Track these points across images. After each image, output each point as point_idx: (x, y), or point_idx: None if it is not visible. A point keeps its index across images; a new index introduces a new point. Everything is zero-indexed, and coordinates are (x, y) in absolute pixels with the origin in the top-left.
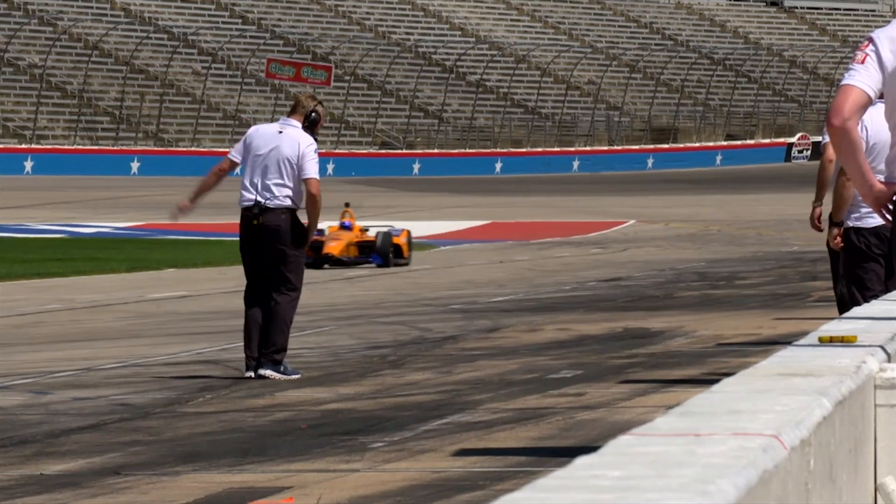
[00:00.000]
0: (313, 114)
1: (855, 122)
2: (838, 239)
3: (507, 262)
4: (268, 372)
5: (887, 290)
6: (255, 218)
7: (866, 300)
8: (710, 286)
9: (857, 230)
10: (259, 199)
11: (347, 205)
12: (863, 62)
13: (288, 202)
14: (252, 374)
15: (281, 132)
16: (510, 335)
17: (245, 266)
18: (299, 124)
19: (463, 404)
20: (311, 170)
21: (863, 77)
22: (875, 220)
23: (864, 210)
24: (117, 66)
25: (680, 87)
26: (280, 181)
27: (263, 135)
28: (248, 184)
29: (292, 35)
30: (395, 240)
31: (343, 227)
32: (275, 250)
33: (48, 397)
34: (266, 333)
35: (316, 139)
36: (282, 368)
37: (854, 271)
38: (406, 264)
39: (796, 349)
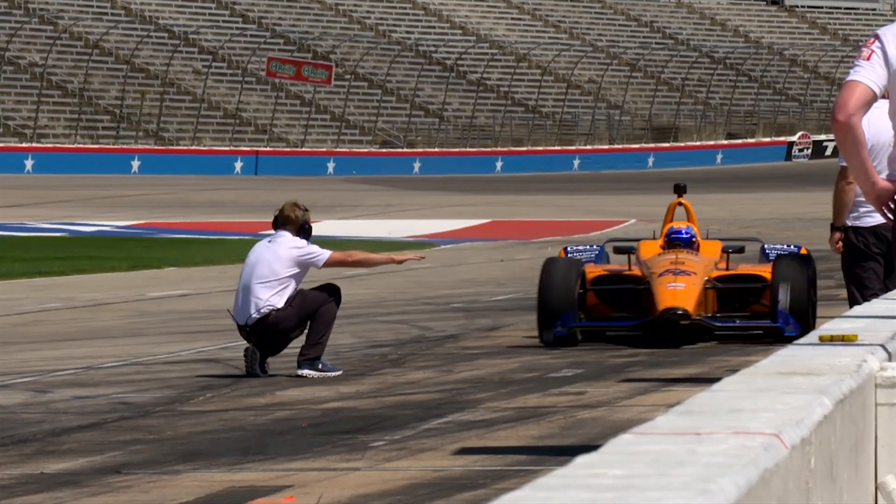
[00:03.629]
0: (306, 225)
1: (859, 117)
2: (840, 244)
3: (508, 260)
4: (304, 371)
5: (887, 289)
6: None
7: (866, 299)
8: None
9: (856, 229)
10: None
11: (682, 190)
12: (868, 59)
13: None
14: (259, 373)
15: (270, 242)
16: (511, 334)
17: None
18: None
19: (463, 403)
20: (322, 254)
21: (868, 73)
22: (873, 220)
23: (862, 209)
24: (118, 65)
25: (680, 86)
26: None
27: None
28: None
29: (293, 34)
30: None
31: (677, 237)
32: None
33: (49, 396)
34: (307, 334)
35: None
36: (320, 366)
37: (853, 270)
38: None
39: (797, 348)
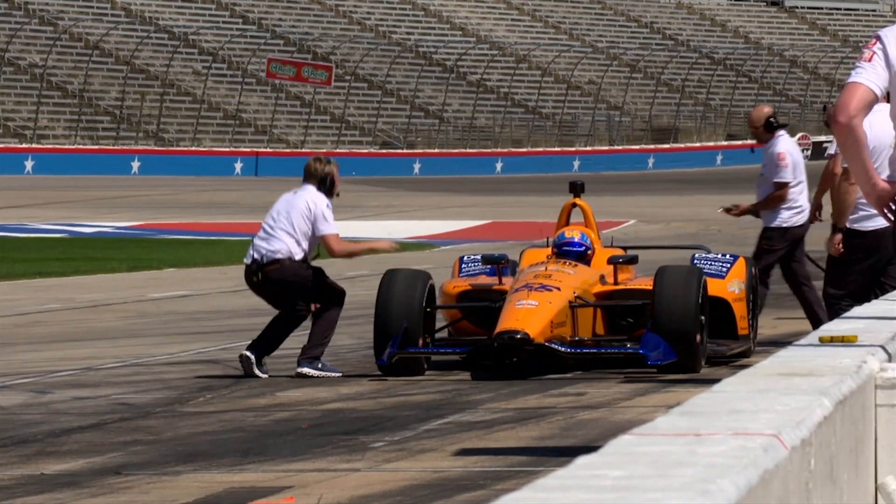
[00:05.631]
0: (327, 178)
1: (861, 119)
2: (840, 245)
3: None
4: (304, 370)
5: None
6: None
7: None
8: None
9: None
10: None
11: (579, 189)
12: (870, 60)
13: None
14: (258, 373)
15: (295, 193)
16: None
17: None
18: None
19: (463, 404)
20: (326, 227)
21: (869, 75)
22: (874, 223)
23: (863, 212)
24: (118, 66)
25: (680, 87)
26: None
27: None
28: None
29: (293, 35)
30: None
31: (568, 248)
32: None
33: (48, 397)
34: (309, 334)
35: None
36: (319, 365)
37: None
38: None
39: (797, 349)
